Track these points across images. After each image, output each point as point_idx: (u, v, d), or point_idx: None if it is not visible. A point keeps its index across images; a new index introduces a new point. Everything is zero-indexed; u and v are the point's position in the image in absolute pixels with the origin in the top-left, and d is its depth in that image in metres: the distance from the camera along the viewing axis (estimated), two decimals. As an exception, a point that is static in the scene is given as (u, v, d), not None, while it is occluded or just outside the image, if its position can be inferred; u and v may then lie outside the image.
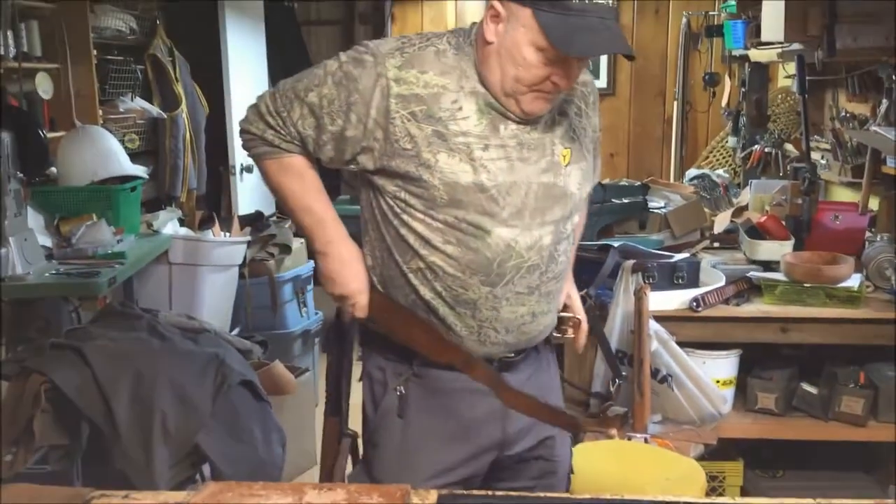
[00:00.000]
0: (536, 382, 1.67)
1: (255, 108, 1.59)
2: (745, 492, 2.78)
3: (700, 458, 2.49)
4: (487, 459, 1.64)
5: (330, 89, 1.51)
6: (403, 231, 1.52)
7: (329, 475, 1.66)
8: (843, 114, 3.63)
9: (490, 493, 1.45)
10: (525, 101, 1.48)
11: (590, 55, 1.53)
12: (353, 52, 1.54)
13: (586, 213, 1.83)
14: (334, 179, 6.47)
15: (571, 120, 1.60)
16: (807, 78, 3.37)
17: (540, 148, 1.53)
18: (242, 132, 1.62)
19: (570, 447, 1.78)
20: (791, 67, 4.06)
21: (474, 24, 1.55)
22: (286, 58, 5.90)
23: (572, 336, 1.73)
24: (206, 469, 2.39)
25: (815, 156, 3.63)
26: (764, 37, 3.51)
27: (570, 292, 1.74)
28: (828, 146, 3.73)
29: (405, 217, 1.51)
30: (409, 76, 1.48)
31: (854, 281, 2.67)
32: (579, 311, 1.75)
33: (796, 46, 3.43)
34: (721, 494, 2.71)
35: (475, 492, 1.51)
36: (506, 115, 1.50)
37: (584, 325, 1.74)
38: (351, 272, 1.58)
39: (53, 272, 2.75)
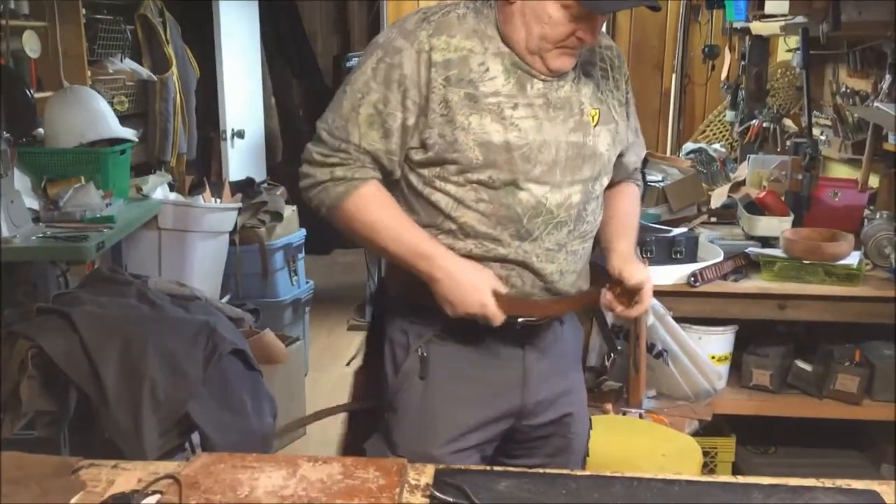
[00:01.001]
0: (557, 351, 1.66)
1: (309, 163, 1.54)
2: (736, 468, 2.78)
3: (693, 434, 2.49)
4: (504, 427, 1.63)
5: (379, 93, 1.49)
6: (435, 197, 1.53)
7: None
8: (844, 89, 3.59)
9: (489, 468, 1.43)
10: (550, 58, 1.50)
11: (618, 9, 1.52)
12: (378, 48, 1.51)
13: (641, 188, 1.82)
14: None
15: (598, 81, 1.61)
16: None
17: (567, 107, 1.54)
18: (308, 190, 1.54)
19: (589, 427, 1.76)
20: (792, 41, 4.01)
21: None
22: (278, 24, 5.82)
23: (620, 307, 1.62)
24: (196, 438, 2.36)
25: (815, 131, 3.59)
26: (768, 9, 3.46)
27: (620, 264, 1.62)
28: (828, 122, 3.70)
29: (438, 183, 1.52)
30: (440, 43, 1.49)
31: (853, 258, 2.66)
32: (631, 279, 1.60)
33: (800, 19, 3.37)
34: (713, 470, 2.71)
35: (473, 466, 1.48)
36: (531, 73, 1.51)
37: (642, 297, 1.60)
38: (466, 286, 1.49)
39: (40, 235, 2.69)
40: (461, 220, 1.52)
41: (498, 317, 1.49)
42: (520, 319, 1.56)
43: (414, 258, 1.51)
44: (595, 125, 1.57)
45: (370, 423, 1.67)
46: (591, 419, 1.78)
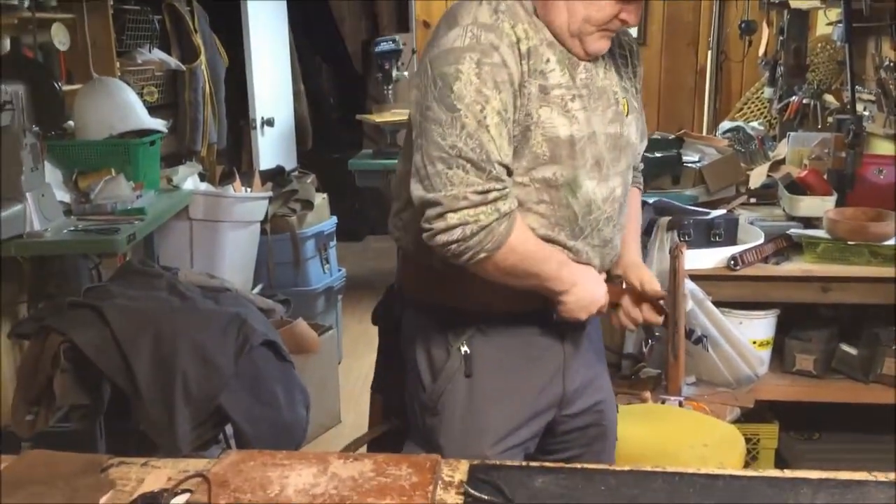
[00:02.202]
0: (592, 346, 1.65)
1: (454, 210, 1.35)
2: (779, 455, 2.71)
3: (735, 421, 2.43)
4: (547, 419, 1.60)
5: (496, 98, 1.36)
6: None
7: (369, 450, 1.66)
8: (888, 63, 3.46)
9: (525, 463, 1.39)
10: (591, 41, 1.45)
11: None
12: (468, 51, 1.36)
13: (642, 188, 1.81)
14: (352, 133, 6.43)
15: (621, 69, 1.57)
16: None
17: (605, 97, 1.50)
18: (464, 241, 1.37)
19: (616, 413, 1.73)
20: (833, 14, 3.88)
21: None
22: (306, 10, 5.79)
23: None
24: (230, 430, 2.35)
25: (858, 107, 3.48)
26: (808, -19, 3.35)
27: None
28: (871, 97, 3.58)
29: None
30: (521, 32, 1.41)
31: (900, 238, 2.57)
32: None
33: (842, -9, 3.26)
34: (755, 457, 2.64)
35: (508, 462, 1.44)
36: (576, 62, 1.47)
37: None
38: (590, 287, 1.50)
39: (72, 229, 2.69)
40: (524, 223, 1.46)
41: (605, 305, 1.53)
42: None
43: (555, 279, 1.47)
44: (626, 114, 1.54)
45: (391, 445, 1.64)
46: (617, 405, 1.77)
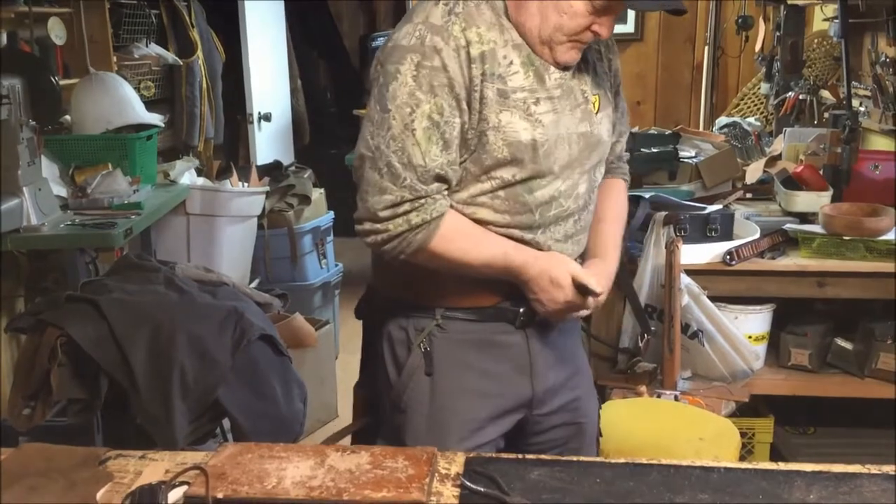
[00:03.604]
0: (559, 334, 1.61)
1: (373, 220, 1.40)
2: (775, 449, 2.73)
3: (730, 415, 2.44)
4: (516, 418, 1.59)
5: (429, 102, 1.36)
6: (452, 196, 1.46)
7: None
8: (884, 59, 3.47)
9: (521, 456, 1.39)
10: (560, 50, 1.43)
11: (649, 9, 1.46)
12: (409, 52, 1.36)
13: (628, 181, 1.77)
14: (343, 130, 6.41)
15: (595, 65, 1.55)
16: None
17: (573, 96, 1.49)
18: (382, 244, 1.41)
19: (598, 408, 1.72)
20: (829, 10, 3.89)
21: None
22: (304, 7, 5.78)
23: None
24: (227, 424, 2.35)
25: (854, 103, 3.49)
26: (804, -23, 3.35)
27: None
28: (867, 93, 3.59)
29: (457, 185, 1.45)
30: (473, 35, 1.39)
31: (895, 234, 2.57)
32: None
33: (838, -13, 3.26)
34: (750, 451, 2.66)
35: (504, 455, 1.45)
36: (548, 64, 1.45)
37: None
38: (547, 285, 1.46)
39: (69, 223, 2.69)
40: (477, 216, 1.46)
41: (581, 306, 1.47)
42: (521, 309, 1.52)
43: (507, 275, 1.46)
44: (597, 112, 1.52)
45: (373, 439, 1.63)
46: (599, 399, 1.75)
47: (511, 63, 1.41)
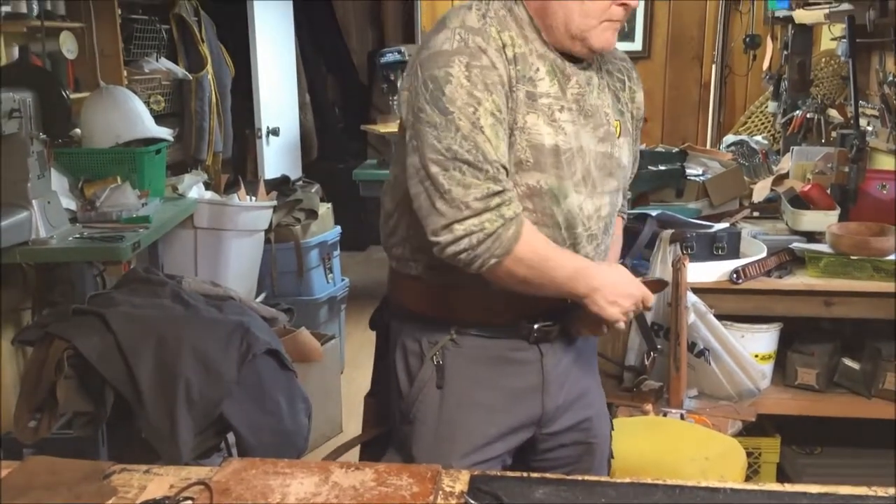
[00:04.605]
0: (573, 352, 1.61)
1: (460, 220, 1.35)
2: (781, 469, 2.71)
3: (736, 435, 2.42)
4: (525, 436, 1.58)
5: (488, 100, 1.36)
6: None
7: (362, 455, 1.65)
8: (892, 78, 3.47)
9: (525, 474, 1.39)
10: (595, 35, 1.44)
11: None
12: (456, 54, 1.37)
13: (625, 219, 1.80)
14: (357, 143, 6.45)
15: (617, 92, 1.57)
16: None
17: (596, 116, 1.50)
18: (472, 250, 1.36)
19: (611, 429, 1.71)
20: (837, 29, 3.90)
21: None
22: (313, 20, 5.82)
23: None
24: (232, 438, 2.35)
25: (861, 122, 3.49)
26: (812, -4, 3.36)
27: None
28: (875, 112, 3.58)
29: None
30: (507, 38, 1.42)
31: (903, 254, 2.57)
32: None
33: (846, 6, 3.27)
34: (756, 471, 2.64)
35: (509, 473, 1.44)
36: (569, 76, 1.47)
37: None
38: (622, 283, 1.47)
39: (77, 236, 2.70)
40: None
41: (650, 297, 1.50)
42: (535, 326, 1.52)
43: (573, 281, 1.44)
44: (618, 136, 1.53)
45: (384, 450, 1.63)
46: (612, 420, 1.74)
47: (538, 69, 1.43)
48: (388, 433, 1.66)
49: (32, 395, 2.25)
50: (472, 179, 1.35)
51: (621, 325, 1.49)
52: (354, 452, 1.78)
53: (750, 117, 4.93)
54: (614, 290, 1.45)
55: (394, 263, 1.57)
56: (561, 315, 1.53)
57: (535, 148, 1.42)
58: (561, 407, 1.59)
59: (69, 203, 2.89)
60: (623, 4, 1.43)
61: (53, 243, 2.59)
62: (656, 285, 1.66)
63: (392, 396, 1.61)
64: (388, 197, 1.56)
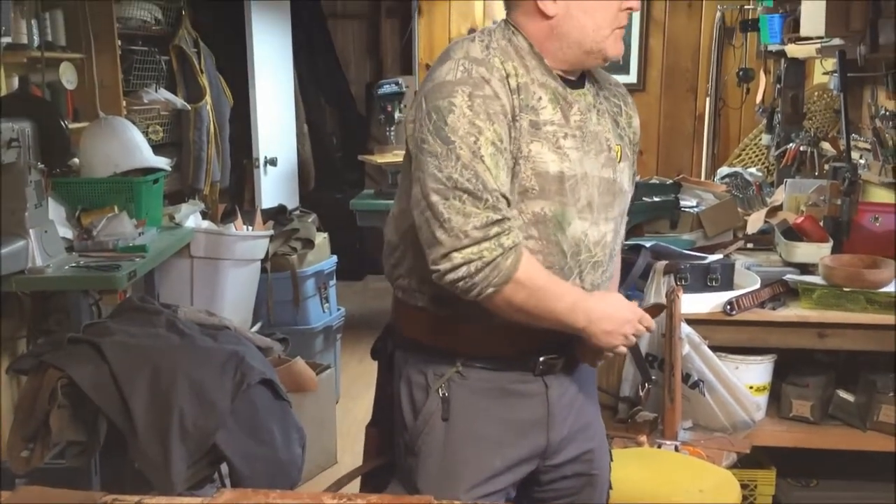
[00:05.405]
0: (576, 385, 1.62)
1: (459, 249, 1.36)
2: (776, 501, 2.70)
3: (731, 467, 2.42)
4: (529, 468, 1.59)
5: (490, 129, 1.38)
6: None
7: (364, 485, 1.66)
8: (883, 112, 3.51)
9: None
10: (609, 44, 1.49)
11: None
12: (460, 85, 1.39)
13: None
14: (354, 173, 6.47)
15: (616, 117, 1.60)
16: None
17: (598, 141, 1.52)
18: (470, 278, 1.37)
19: (610, 461, 1.72)
20: (829, 63, 3.95)
21: (502, 21, 1.53)
22: (312, 51, 5.88)
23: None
24: (225, 468, 2.35)
25: (853, 155, 3.52)
26: (803, 31, 3.41)
27: None
28: (867, 145, 3.62)
29: None
30: (509, 68, 1.44)
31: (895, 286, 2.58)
32: None
33: (837, 42, 3.32)
34: (752, 504, 2.63)
35: (503, 504, 1.45)
36: (571, 103, 1.49)
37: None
38: (619, 310, 1.49)
39: (73, 265, 2.71)
40: None
41: (650, 321, 1.53)
42: (541, 358, 1.53)
43: (572, 313, 1.44)
44: (619, 161, 1.55)
45: (386, 481, 1.63)
46: (612, 451, 1.75)
47: (540, 98, 1.46)
48: (390, 464, 1.66)
49: (26, 424, 2.25)
50: (472, 208, 1.37)
51: (622, 349, 1.51)
52: (355, 484, 1.77)
53: (744, 149, 4.97)
54: (612, 319, 1.47)
55: (399, 294, 1.58)
56: (565, 346, 1.54)
57: (540, 176, 1.43)
58: (565, 439, 1.59)
59: (66, 232, 2.90)
60: (628, 9, 1.48)
61: (50, 272, 2.60)
62: (655, 311, 1.67)
63: (396, 428, 1.61)
64: (391, 228, 1.57)
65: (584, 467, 1.63)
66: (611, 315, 1.47)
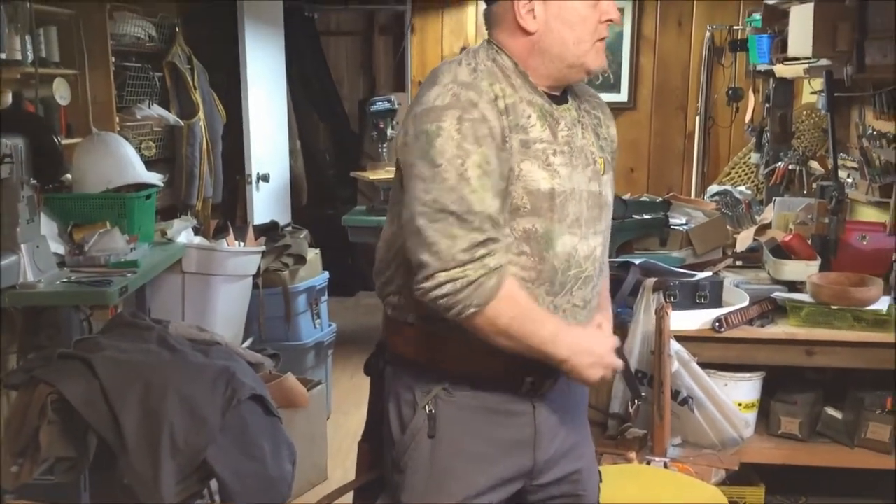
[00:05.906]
0: (564, 405, 1.62)
1: (446, 269, 1.38)
2: (766, 518, 2.71)
3: (720, 484, 2.43)
4: (515, 487, 1.59)
5: (477, 153, 1.40)
6: None
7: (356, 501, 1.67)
8: (871, 131, 3.55)
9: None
10: (592, 56, 1.51)
11: None
12: (448, 109, 1.41)
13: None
14: (346, 189, 6.48)
15: (596, 129, 1.62)
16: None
17: (584, 155, 1.54)
18: (453, 295, 1.39)
19: (599, 482, 1.72)
20: (817, 83, 3.99)
21: (485, 42, 1.55)
22: (305, 68, 5.90)
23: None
24: (215, 484, 2.34)
25: (841, 174, 3.55)
26: (791, 52, 3.45)
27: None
28: (854, 164, 3.65)
29: None
30: (497, 90, 1.46)
31: (882, 304, 2.60)
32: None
33: (824, 62, 3.36)
34: (741, 521, 2.64)
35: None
36: (558, 119, 1.51)
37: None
38: (598, 344, 1.52)
39: (65, 280, 2.71)
40: None
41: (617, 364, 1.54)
42: (528, 379, 1.53)
43: (552, 345, 1.46)
44: (603, 174, 1.58)
45: (377, 496, 1.64)
46: (600, 471, 1.75)
47: (529, 116, 1.47)
48: (382, 479, 1.67)
49: (16, 439, 2.24)
50: (458, 231, 1.38)
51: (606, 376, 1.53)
52: (348, 498, 1.78)
53: (733, 168, 5.01)
54: (591, 353, 1.49)
55: (389, 311, 1.59)
56: (553, 367, 1.54)
57: (531, 193, 1.45)
58: (552, 459, 1.59)
59: (58, 247, 2.90)
60: (608, 20, 1.50)
61: (41, 287, 2.60)
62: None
63: (384, 444, 1.62)
64: (383, 245, 1.59)
65: (571, 488, 1.64)
66: (590, 349, 1.49)
